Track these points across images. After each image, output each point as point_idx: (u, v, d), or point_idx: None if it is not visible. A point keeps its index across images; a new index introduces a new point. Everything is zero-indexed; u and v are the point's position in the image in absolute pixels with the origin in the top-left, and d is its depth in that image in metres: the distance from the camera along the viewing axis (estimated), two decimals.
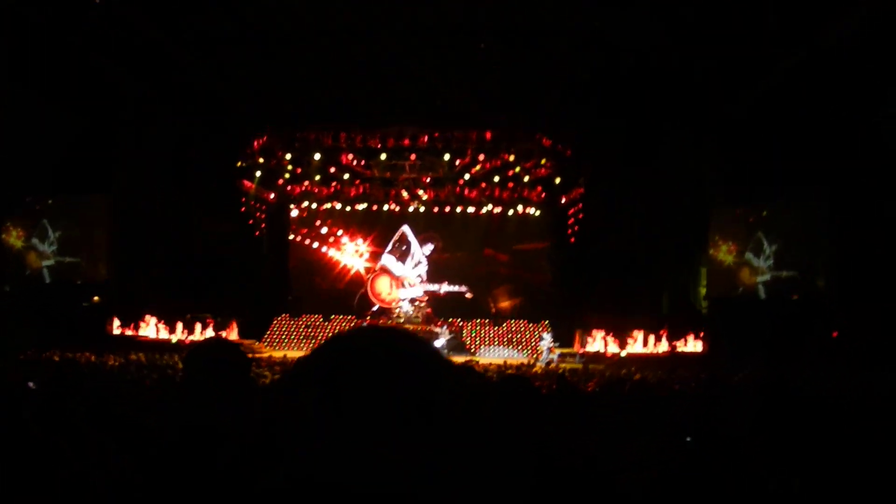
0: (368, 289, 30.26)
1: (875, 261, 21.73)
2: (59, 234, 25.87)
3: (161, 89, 22.44)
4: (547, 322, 29.24)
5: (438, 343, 25.88)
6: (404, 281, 29.87)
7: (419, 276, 29.90)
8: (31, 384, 5.34)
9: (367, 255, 31.05)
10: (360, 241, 31.10)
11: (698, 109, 21.76)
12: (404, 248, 30.18)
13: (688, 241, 25.47)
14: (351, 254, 31.16)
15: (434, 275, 29.91)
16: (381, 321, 28.58)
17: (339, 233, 31.50)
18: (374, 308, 30.11)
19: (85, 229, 25.87)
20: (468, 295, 29.66)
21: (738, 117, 22.11)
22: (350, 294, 31.19)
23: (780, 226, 24.99)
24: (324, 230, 31.56)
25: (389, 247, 30.30)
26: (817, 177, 21.98)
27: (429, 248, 30.03)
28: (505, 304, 31.22)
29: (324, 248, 31.56)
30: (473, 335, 28.24)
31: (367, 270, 30.80)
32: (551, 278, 29.97)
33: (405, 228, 30.13)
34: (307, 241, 32.07)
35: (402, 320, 28.83)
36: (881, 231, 21.45)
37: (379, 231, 31.13)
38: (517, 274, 31.43)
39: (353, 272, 31.12)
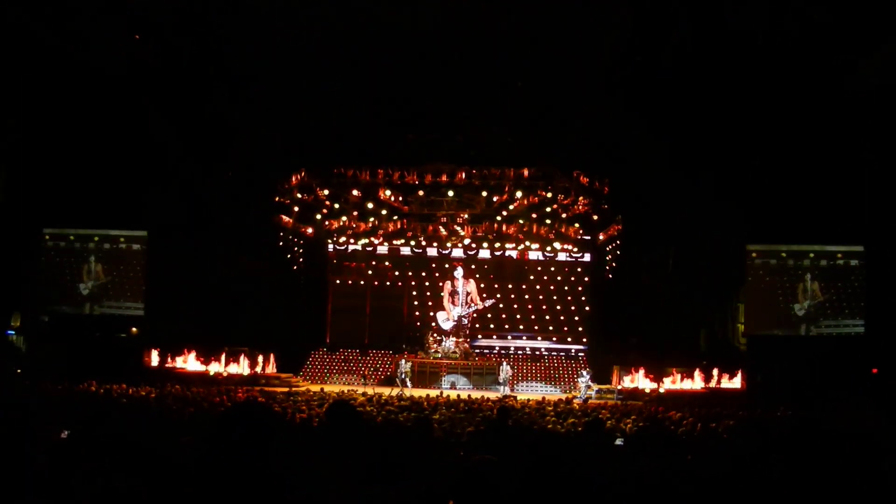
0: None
1: None
2: (99, 267, 26.21)
3: (199, 125, 22.69)
4: (586, 358, 29.11)
5: (501, 377, 25.88)
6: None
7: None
8: (64, 433, 5.37)
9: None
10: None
11: (733, 147, 21.62)
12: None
13: (724, 278, 25.23)
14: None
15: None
16: (418, 356, 28.61)
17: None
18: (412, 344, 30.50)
19: (123, 263, 26.28)
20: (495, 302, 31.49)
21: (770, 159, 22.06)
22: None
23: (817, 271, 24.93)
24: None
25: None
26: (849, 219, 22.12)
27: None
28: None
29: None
30: (513, 371, 27.91)
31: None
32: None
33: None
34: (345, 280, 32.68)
35: (439, 355, 28.83)
36: None
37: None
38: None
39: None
